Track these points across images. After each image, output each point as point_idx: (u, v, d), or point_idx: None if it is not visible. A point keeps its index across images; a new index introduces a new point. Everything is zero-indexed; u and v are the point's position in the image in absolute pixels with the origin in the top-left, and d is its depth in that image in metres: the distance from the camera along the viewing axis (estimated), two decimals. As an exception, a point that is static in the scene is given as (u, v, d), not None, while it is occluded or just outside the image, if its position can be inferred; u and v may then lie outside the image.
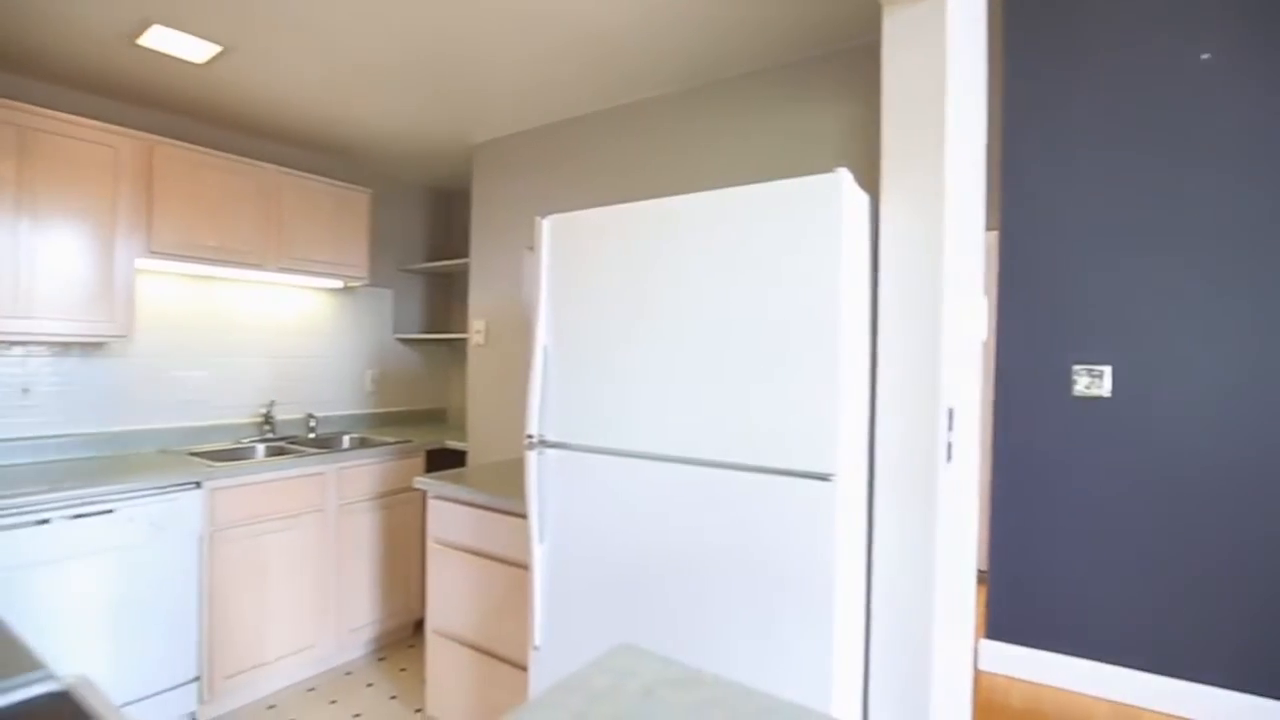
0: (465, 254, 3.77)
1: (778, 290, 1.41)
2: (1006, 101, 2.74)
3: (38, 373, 2.43)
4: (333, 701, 2.51)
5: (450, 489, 2.15)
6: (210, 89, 2.52)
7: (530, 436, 1.76)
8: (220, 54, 2.22)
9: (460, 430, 3.49)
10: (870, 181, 1.61)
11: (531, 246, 2.89)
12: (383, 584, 2.93)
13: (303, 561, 2.61)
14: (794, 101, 2.21)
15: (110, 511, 2.07)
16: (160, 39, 2.10)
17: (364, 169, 3.58)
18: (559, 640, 1.76)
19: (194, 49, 2.18)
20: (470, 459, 3.10)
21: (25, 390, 2.40)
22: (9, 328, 2.13)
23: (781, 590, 1.41)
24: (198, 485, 2.29)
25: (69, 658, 1.98)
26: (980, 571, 2.40)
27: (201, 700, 2.30)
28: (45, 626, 1.93)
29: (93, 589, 2.04)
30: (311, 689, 2.61)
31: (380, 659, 2.88)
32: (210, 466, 2.37)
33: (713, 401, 1.50)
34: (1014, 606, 2.73)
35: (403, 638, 3.07)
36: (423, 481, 2.25)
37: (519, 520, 1.98)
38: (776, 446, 1.41)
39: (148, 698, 2.16)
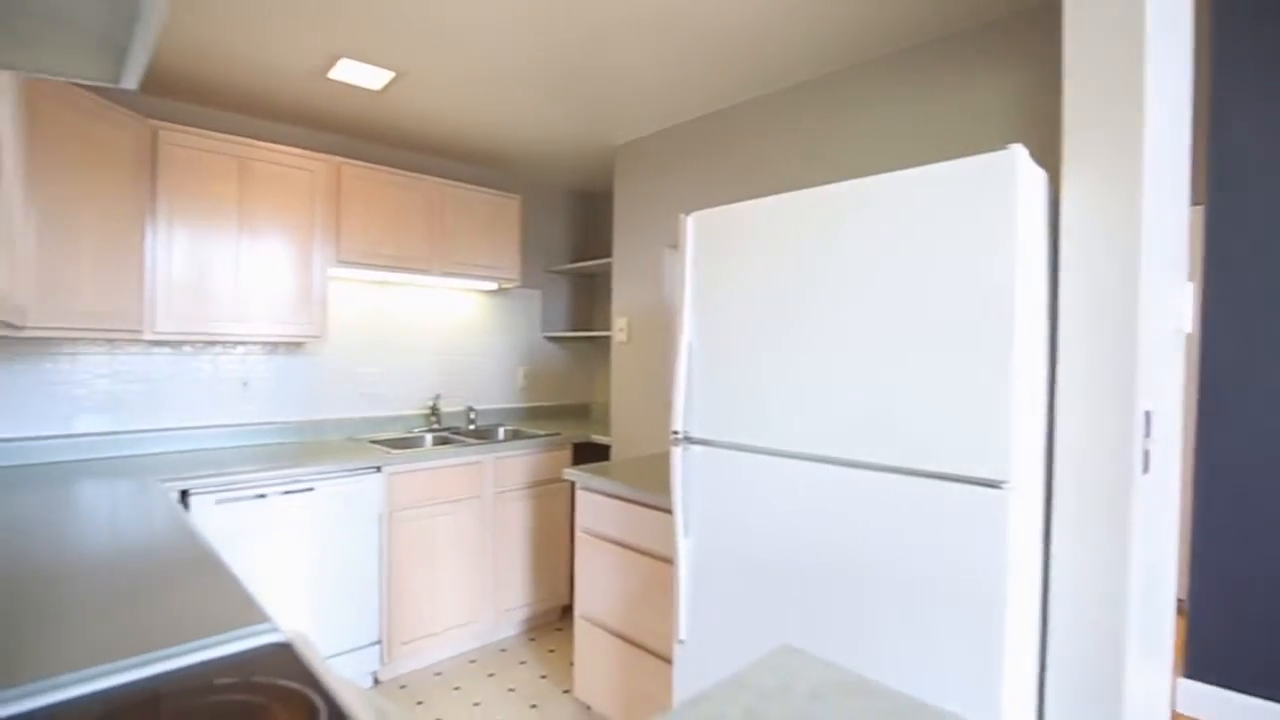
0: (608, 254, 3.90)
1: (943, 280, 1.32)
2: (1215, 49, 2.36)
3: (254, 369, 2.84)
4: (491, 674, 2.70)
5: (597, 481, 2.23)
6: (384, 112, 2.80)
7: (675, 433, 1.79)
8: (393, 80, 2.45)
9: (604, 424, 3.61)
10: (1043, 157, 1.46)
11: (674, 244, 2.92)
12: (533, 568, 3.11)
13: (463, 543, 2.84)
14: (948, 78, 2.05)
15: (311, 490, 2.37)
16: (346, 71, 2.37)
17: (514, 176, 3.81)
18: (703, 636, 1.77)
19: (372, 77, 2.43)
20: (614, 453, 3.20)
21: (245, 384, 2.81)
22: (233, 330, 2.50)
23: (944, 604, 1.32)
24: (378, 470, 2.56)
25: (277, 614, 2.30)
26: (1178, 600, 2.09)
27: (382, 662, 2.57)
28: (258, 585, 2.25)
29: (297, 556, 2.34)
30: (472, 660, 2.82)
31: (531, 639, 3.05)
32: (388, 453, 2.64)
33: (870, 400, 1.43)
34: (1220, 643, 2.36)
35: (551, 621, 3.24)
36: (572, 473, 2.35)
37: (663, 514, 2.01)
38: (941, 449, 1.32)
39: (339, 654, 2.45)
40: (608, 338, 3.89)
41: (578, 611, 2.34)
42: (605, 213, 4.13)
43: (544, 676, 2.69)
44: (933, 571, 1.33)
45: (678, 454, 1.78)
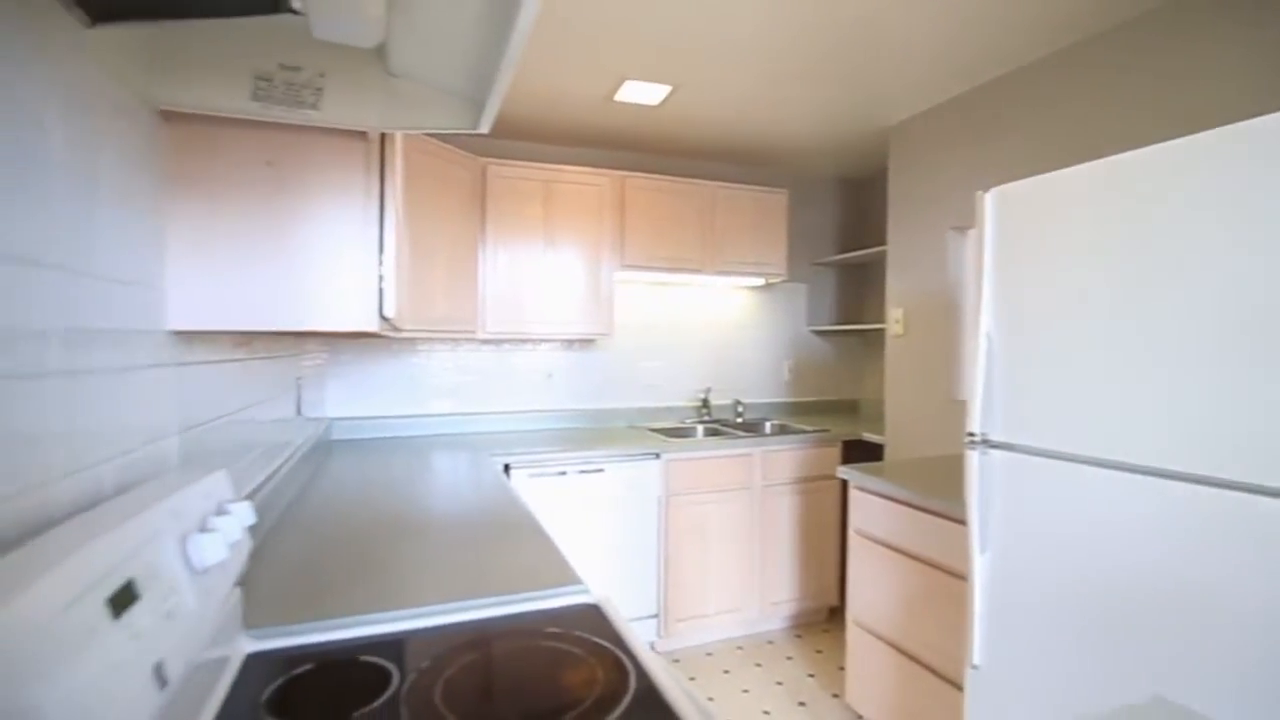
0: (877, 243, 3.67)
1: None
2: None
3: (555, 362, 3.27)
4: (757, 664, 2.75)
5: (873, 481, 2.12)
6: (661, 124, 3.00)
7: (971, 435, 1.61)
8: (670, 93, 2.61)
9: (874, 422, 3.42)
10: None
11: (959, 226, 2.65)
12: (800, 565, 3.07)
13: (732, 532, 2.92)
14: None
15: (601, 471, 2.65)
16: (630, 92, 2.59)
17: (780, 171, 3.79)
18: (1003, 664, 1.58)
19: (651, 94, 2.61)
20: (888, 453, 3.01)
21: (549, 375, 3.26)
22: (539, 330, 2.91)
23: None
24: (657, 456, 2.76)
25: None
26: None
27: (659, 634, 2.78)
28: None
29: (590, 528, 2.64)
30: (739, 648, 2.90)
31: (797, 635, 3.03)
32: (665, 441, 2.84)
33: (1249, 404, 1.13)
34: None
35: (817, 620, 3.17)
36: (845, 471, 2.27)
37: (945, 523, 1.84)
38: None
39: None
40: (878, 331, 3.67)
41: (850, 615, 2.26)
42: (874, 200, 3.89)
43: (811, 676, 2.65)
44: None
45: (974, 458, 1.61)
